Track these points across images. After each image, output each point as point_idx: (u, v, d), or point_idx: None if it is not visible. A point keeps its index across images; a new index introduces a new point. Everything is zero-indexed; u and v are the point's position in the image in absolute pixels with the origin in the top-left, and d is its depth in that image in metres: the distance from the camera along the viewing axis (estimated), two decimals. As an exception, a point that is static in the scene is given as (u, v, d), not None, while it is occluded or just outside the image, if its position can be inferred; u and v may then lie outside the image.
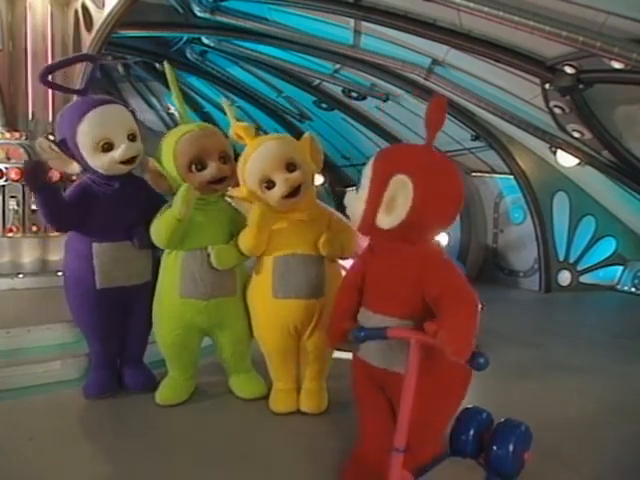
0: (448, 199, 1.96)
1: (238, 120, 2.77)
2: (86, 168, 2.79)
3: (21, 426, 2.57)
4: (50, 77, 2.91)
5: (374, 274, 2.06)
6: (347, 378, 3.20)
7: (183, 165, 2.61)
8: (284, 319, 2.61)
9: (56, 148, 2.73)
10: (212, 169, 2.63)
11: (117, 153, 2.72)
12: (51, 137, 2.89)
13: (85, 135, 2.68)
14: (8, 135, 4.53)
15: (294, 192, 2.50)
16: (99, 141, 2.69)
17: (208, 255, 2.63)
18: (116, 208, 2.79)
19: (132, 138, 2.79)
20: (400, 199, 1.84)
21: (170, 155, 2.62)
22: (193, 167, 2.62)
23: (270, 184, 2.50)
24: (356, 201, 1.98)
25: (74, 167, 2.80)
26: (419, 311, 1.90)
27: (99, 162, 2.73)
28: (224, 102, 3.02)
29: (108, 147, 2.71)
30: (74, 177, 3.12)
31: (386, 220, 1.89)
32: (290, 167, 2.51)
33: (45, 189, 2.64)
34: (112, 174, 2.77)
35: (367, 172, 1.96)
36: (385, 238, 1.98)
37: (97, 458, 2.33)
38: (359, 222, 1.99)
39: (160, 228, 2.62)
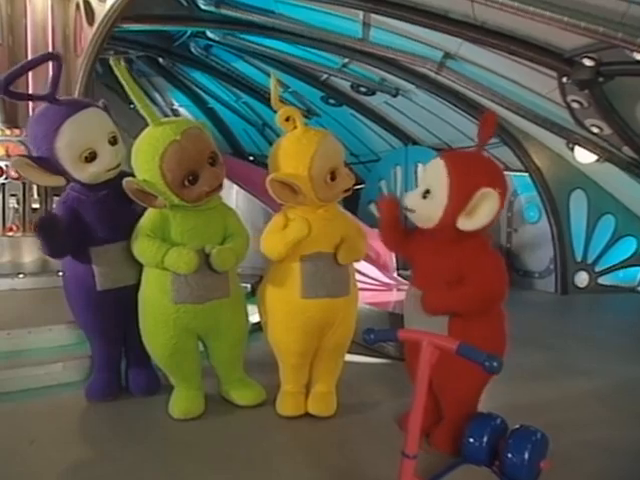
0: (505, 201, 2.40)
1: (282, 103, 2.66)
2: (70, 180, 2.75)
3: (22, 429, 2.59)
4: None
5: (427, 258, 2.45)
6: (356, 382, 3.21)
7: (175, 183, 2.47)
8: (310, 319, 2.63)
9: (35, 165, 2.63)
10: (209, 180, 2.52)
11: (103, 163, 2.67)
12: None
13: (64, 149, 2.59)
14: (8, 132, 4.55)
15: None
16: (81, 153, 2.62)
17: (207, 255, 2.58)
18: (109, 211, 2.77)
19: (113, 141, 2.73)
20: (485, 207, 2.20)
21: (157, 173, 2.45)
22: (186, 181, 2.49)
23: (333, 176, 2.58)
24: (429, 207, 2.32)
25: (60, 180, 2.73)
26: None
27: (85, 174, 2.67)
28: (272, 77, 2.86)
29: (91, 157, 2.65)
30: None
31: (469, 223, 2.25)
32: (345, 164, 2.69)
33: (57, 238, 2.59)
34: (98, 182, 2.74)
35: (442, 182, 2.26)
36: (447, 233, 2.32)
37: (98, 463, 2.34)
38: (435, 223, 2.32)
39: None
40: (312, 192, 2.55)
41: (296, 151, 2.56)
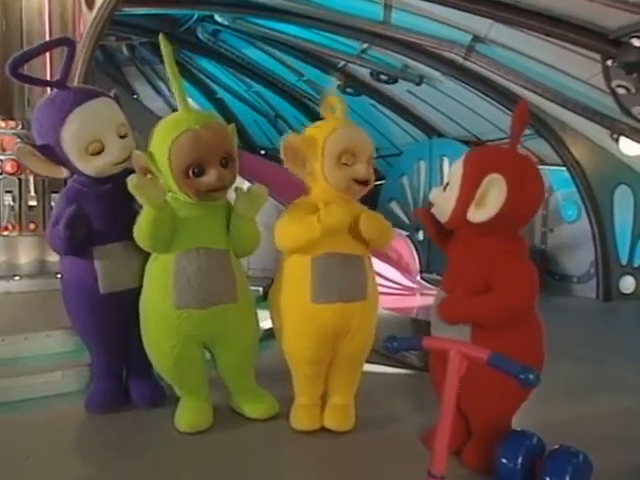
0: (534, 196, 2.38)
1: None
2: (74, 172, 2.78)
3: (18, 442, 2.61)
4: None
5: (454, 258, 2.49)
6: (375, 394, 3.18)
7: (179, 169, 2.53)
8: (323, 326, 2.61)
9: (39, 154, 2.68)
10: (211, 178, 2.54)
11: (111, 157, 2.70)
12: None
13: (71, 139, 2.64)
14: (3, 124, 4.62)
15: (368, 182, 2.62)
16: (88, 144, 2.67)
17: (212, 257, 2.61)
18: (113, 207, 2.79)
19: (123, 134, 2.77)
20: (493, 196, 2.22)
21: (165, 155, 2.52)
22: (190, 172, 2.53)
23: (350, 161, 2.58)
24: (445, 199, 2.40)
25: (63, 171, 2.78)
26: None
27: (91, 166, 2.71)
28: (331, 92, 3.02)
29: (98, 149, 2.69)
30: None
31: (477, 214, 2.27)
32: (370, 159, 2.65)
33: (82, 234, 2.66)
34: (103, 176, 2.77)
35: (458, 172, 2.35)
36: (471, 230, 2.36)
37: (98, 478, 2.36)
38: (449, 216, 2.39)
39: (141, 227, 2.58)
40: (321, 170, 2.58)
41: (315, 131, 2.67)
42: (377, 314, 2.80)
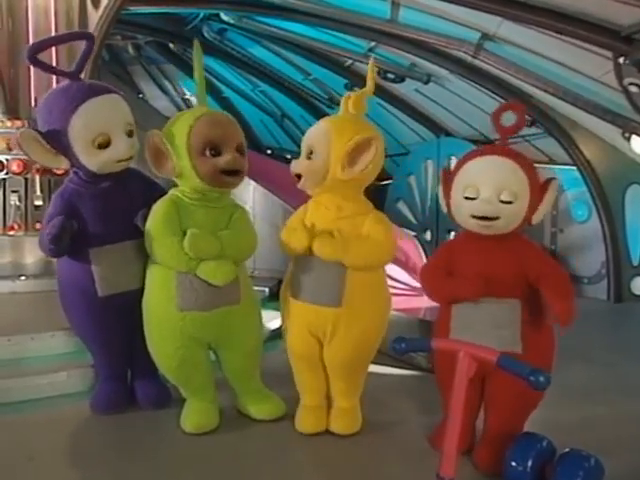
0: None
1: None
2: (75, 165, 2.76)
3: (21, 444, 2.62)
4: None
5: (477, 262, 2.46)
6: (382, 396, 3.17)
7: (197, 147, 2.58)
8: (302, 323, 2.67)
9: (43, 141, 2.65)
10: (228, 156, 2.59)
11: (117, 151, 2.71)
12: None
13: (81, 129, 2.64)
14: (9, 123, 4.64)
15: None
16: (96, 137, 2.66)
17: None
18: (110, 208, 2.79)
19: (130, 133, 2.79)
20: (552, 196, 2.44)
21: (184, 133, 2.57)
22: (207, 151, 2.59)
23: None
24: (513, 210, 2.43)
25: (62, 162, 2.75)
26: (524, 291, 2.40)
27: (94, 160, 2.71)
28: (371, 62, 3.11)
29: (105, 143, 2.69)
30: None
31: (539, 217, 2.44)
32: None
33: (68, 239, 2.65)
34: (104, 172, 2.77)
35: (522, 181, 2.42)
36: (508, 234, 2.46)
37: (103, 480, 2.37)
38: (518, 223, 2.46)
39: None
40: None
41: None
42: (366, 326, 2.63)
